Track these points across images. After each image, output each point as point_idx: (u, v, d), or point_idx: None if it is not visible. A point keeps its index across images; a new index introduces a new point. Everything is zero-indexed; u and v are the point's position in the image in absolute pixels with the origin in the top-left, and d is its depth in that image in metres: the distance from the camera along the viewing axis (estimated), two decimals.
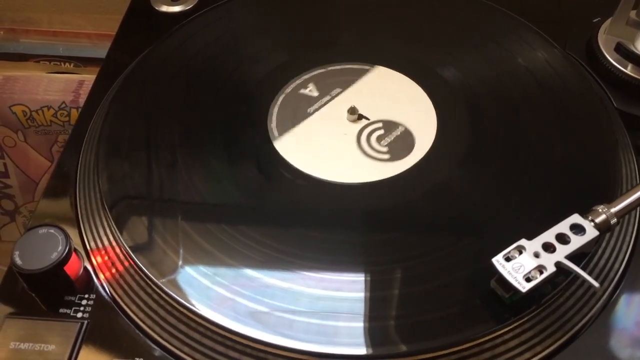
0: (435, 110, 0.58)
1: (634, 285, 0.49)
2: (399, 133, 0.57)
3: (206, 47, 0.64)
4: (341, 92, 0.60)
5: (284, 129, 0.57)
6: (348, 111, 0.58)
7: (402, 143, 0.56)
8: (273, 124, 0.57)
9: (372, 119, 0.58)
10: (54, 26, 0.95)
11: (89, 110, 0.62)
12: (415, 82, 0.61)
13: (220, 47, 0.64)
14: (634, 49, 0.61)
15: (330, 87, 0.61)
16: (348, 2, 0.70)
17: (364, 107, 0.58)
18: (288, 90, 0.60)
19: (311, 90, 0.60)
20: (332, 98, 0.60)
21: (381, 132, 0.57)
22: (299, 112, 0.59)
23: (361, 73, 0.62)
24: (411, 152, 0.55)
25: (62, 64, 0.93)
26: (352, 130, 0.57)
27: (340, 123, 0.58)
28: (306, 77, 0.61)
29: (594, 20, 0.66)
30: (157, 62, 0.64)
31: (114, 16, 0.78)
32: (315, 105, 0.59)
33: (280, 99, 0.60)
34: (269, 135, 0.57)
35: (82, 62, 0.93)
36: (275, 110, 0.59)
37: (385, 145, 0.56)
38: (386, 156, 0.55)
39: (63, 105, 0.86)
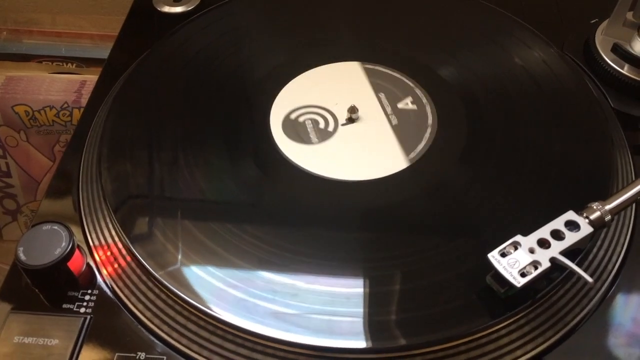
0: (434, 108, 0.59)
1: (629, 282, 0.49)
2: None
3: (207, 47, 0.65)
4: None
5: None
6: (348, 110, 0.58)
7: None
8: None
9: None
10: (57, 27, 0.96)
11: (91, 110, 0.62)
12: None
13: (222, 47, 0.65)
14: (631, 50, 0.62)
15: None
16: (347, 2, 0.71)
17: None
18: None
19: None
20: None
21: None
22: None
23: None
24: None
25: (65, 64, 0.94)
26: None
27: (340, 121, 0.59)
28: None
29: (591, 22, 0.67)
30: (158, 62, 0.64)
31: (116, 17, 0.78)
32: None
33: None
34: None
35: (85, 62, 0.94)
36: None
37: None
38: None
39: (65, 105, 0.86)
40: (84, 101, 0.85)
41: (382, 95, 0.60)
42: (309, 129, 0.58)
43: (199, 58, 0.64)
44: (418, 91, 0.61)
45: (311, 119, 0.59)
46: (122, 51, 0.69)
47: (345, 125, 0.58)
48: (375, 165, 0.55)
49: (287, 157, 0.55)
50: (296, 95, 0.61)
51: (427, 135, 0.57)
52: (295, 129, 0.58)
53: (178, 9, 0.73)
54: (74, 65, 0.94)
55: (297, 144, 0.56)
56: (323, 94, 0.61)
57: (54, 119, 0.87)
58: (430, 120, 0.58)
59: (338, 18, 0.69)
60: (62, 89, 0.87)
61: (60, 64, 0.94)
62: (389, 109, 0.59)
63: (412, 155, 0.55)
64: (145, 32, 0.71)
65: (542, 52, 0.63)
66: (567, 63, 0.62)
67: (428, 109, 0.59)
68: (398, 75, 0.62)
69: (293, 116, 0.59)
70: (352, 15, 0.69)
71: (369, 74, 0.62)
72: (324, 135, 0.57)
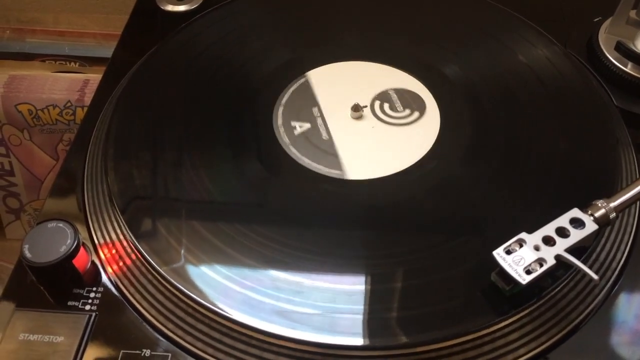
0: (438, 106, 0.59)
1: (634, 279, 0.49)
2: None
3: (211, 46, 0.65)
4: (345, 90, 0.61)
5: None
6: (352, 108, 0.58)
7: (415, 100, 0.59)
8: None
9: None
10: (60, 26, 0.96)
11: (95, 109, 0.63)
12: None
13: (226, 46, 0.65)
14: (634, 48, 0.62)
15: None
16: (350, 1, 0.71)
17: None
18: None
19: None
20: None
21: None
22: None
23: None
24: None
25: (68, 63, 0.94)
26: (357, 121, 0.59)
27: (344, 120, 0.59)
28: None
29: (595, 20, 0.67)
30: (162, 61, 0.64)
31: (120, 16, 0.78)
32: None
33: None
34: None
35: (88, 61, 0.94)
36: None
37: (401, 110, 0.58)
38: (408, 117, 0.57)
39: (68, 104, 0.87)
40: (87, 100, 0.85)
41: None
42: (313, 128, 0.58)
43: (203, 57, 0.64)
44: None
45: (315, 118, 0.59)
46: (126, 50, 0.69)
47: (349, 123, 0.58)
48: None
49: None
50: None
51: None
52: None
53: (182, 8, 0.73)
54: (77, 64, 0.94)
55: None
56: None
57: (57, 118, 0.87)
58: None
59: (342, 17, 0.69)
60: (66, 87, 0.87)
61: (64, 62, 0.94)
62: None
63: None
64: (149, 31, 0.71)
65: (546, 50, 0.63)
66: (571, 61, 0.62)
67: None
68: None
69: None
70: (355, 14, 0.69)
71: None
72: (328, 134, 0.57)
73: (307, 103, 0.60)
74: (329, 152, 0.56)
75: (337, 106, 0.60)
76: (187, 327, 0.46)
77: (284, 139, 0.57)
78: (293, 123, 0.58)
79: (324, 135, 0.57)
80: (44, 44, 0.95)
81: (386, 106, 0.59)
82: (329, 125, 0.58)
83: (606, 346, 0.46)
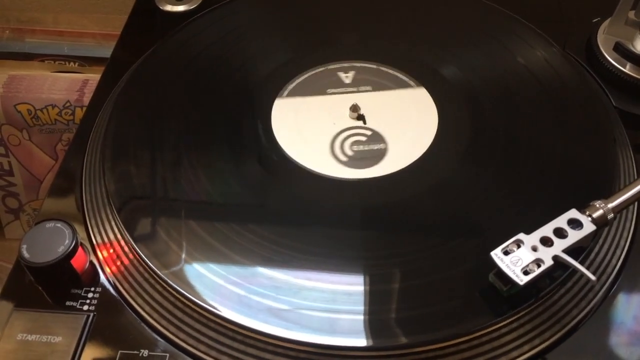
0: (436, 107, 0.59)
1: (631, 280, 0.50)
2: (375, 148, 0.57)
3: (210, 46, 0.65)
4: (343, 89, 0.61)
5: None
6: (350, 108, 0.58)
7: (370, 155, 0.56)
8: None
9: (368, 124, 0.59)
10: (59, 26, 0.96)
11: (93, 109, 0.63)
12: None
13: (224, 46, 0.65)
14: (633, 49, 0.62)
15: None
16: (350, 2, 0.71)
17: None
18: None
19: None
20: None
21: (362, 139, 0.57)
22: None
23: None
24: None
25: (67, 63, 0.94)
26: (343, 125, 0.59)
27: (342, 120, 0.59)
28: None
29: (593, 20, 0.67)
30: (161, 61, 0.64)
31: (119, 16, 0.78)
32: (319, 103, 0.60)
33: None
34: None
35: (87, 61, 0.94)
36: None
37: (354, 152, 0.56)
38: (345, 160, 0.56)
39: (67, 104, 0.87)
40: (86, 100, 0.85)
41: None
42: (311, 128, 0.58)
43: (202, 57, 0.64)
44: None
45: (314, 118, 0.59)
46: (125, 50, 0.70)
47: (347, 123, 0.58)
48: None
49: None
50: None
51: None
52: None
53: (180, 8, 0.73)
54: (77, 64, 0.94)
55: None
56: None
57: (57, 118, 0.87)
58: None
59: (341, 17, 0.69)
60: (65, 87, 0.87)
61: (63, 62, 0.94)
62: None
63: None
64: (148, 31, 0.71)
65: (545, 51, 0.63)
66: (569, 62, 0.62)
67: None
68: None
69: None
70: (354, 15, 0.69)
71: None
72: (326, 134, 0.57)
73: (305, 103, 0.60)
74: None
75: (334, 106, 0.60)
76: (185, 328, 0.46)
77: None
78: (291, 122, 0.58)
79: (322, 135, 0.57)
80: (43, 44, 0.95)
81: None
82: (326, 126, 0.58)
83: (604, 347, 0.47)
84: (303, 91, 0.60)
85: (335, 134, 0.57)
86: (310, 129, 0.58)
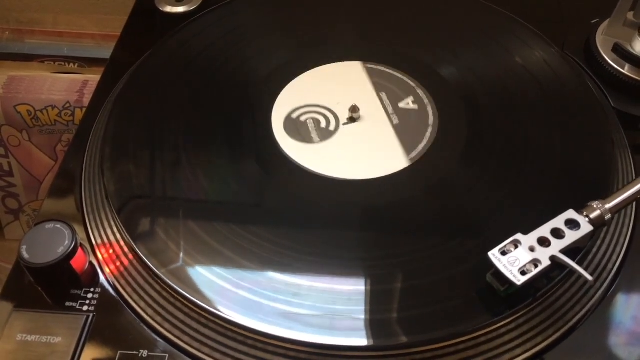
0: (435, 108, 0.59)
1: (630, 280, 0.50)
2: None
3: (210, 47, 0.65)
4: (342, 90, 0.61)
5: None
6: (350, 110, 0.58)
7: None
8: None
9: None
10: (59, 27, 0.96)
11: (93, 109, 0.63)
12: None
13: (224, 47, 0.65)
14: (631, 50, 0.62)
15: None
16: (349, 2, 0.71)
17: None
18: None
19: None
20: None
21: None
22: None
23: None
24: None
25: (67, 64, 0.94)
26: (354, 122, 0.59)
27: (342, 120, 0.59)
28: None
29: (592, 21, 0.67)
30: (160, 62, 0.64)
31: (118, 17, 0.78)
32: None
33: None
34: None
35: (87, 62, 0.94)
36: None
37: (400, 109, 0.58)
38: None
39: (67, 105, 0.87)
40: (86, 101, 0.85)
41: (383, 95, 0.61)
42: (310, 128, 0.58)
43: (201, 58, 0.64)
44: (419, 91, 0.61)
45: (313, 118, 0.59)
46: (124, 51, 0.70)
47: (346, 124, 0.59)
48: (376, 165, 0.55)
49: (289, 156, 0.56)
50: (298, 94, 0.61)
51: (428, 134, 0.57)
52: (297, 128, 0.58)
53: (180, 9, 0.73)
54: (76, 65, 0.94)
55: (299, 143, 0.57)
56: (324, 93, 0.61)
57: (56, 119, 0.87)
58: (431, 120, 0.58)
59: (340, 17, 0.69)
60: (64, 88, 0.87)
61: (63, 63, 0.94)
62: (390, 109, 0.60)
63: (413, 154, 0.55)
64: (148, 32, 0.71)
65: (543, 51, 0.63)
66: (568, 63, 0.63)
67: (429, 108, 0.59)
68: (399, 75, 0.62)
69: (295, 115, 0.59)
70: (353, 15, 0.69)
71: (370, 73, 0.63)
72: (326, 134, 0.58)
73: (304, 103, 0.60)
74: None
75: (335, 106, 0.60)
76: (184, 328, 0.46)
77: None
78: (290, 123, 0.58)
79: (322, 135, 0.57)
80: (43, 44, 0.95)
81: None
82: (326, 126, 0.58)
83: (603, 347, 0.47)
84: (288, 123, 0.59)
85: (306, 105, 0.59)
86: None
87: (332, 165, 0.55)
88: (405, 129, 0.58)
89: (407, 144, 0.56)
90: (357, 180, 0.54)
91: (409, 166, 0.55)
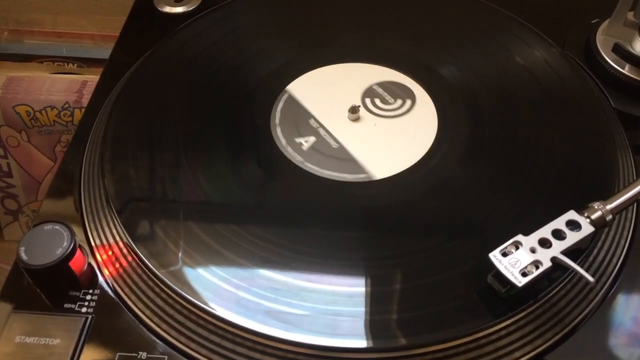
0: (435, 108, 0.59)
1: (630, 282, 0.49)
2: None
3: (209, 47, 0.65)
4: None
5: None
6: (349, 110, 0.58)
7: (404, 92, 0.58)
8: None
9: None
10: (58, 27, 0.96)
11: (92, 110, 0.63)
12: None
13: (223, 47, 0.65)
14: (631, 50, 0.62)
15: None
16: (349, 2, 0.71)
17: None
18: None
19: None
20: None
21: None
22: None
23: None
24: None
25: (66, 64, 0.94)
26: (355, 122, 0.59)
27: (342, 121, 0.59)
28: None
29: (592, 21, 0.67)
30: (160, 63, 0.64)
31: (117, 17, 0.78)
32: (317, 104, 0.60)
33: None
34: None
35: (86, 62, 0.94)
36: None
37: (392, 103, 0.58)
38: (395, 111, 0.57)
39: (66, 106, 0.86)
40: (85, 101, 0.85)
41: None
42: (310, 129, 0.58)
43: (201, 58, 0.64)
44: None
45: (312, 119, 0.59)
46: (123, 51, 0.69)
47: (346, 125, 0.58)
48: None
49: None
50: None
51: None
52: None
53: (179, 9, 0.73)
54: (75, 65, 0.94)
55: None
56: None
57: (55, 119, 0.87)
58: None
59: (339, 17, 0.69)
60: (64, 89, 0.87)
61: (62, 64, 0.94)
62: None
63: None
64: (147, 33, 0.71)
65: (544, 51, 0.63)
66: (569, 63, 0.62)
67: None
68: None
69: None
70: (353, 15, 0.69)
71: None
72: (326, 135, 0.57)
73: (304, 103, 0.60)
74: (326, 152, 0.56)
75: (334, 107, 0.60)
76: (183, 330, 0.46)
77: (280, 138, 0.57)
78: (291, 122, 0.58)
79: (321, 136, 0.57)
80: (42, 45, 0.95)
81: (384, 107, 0.59)
82: (325, 126, 0.58)
83: (603, 348, 0.47)
84: (288, 123, 0.59)
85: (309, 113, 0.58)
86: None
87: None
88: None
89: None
90: (358, 181, 0.54)
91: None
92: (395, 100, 0.60)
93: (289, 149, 0.56)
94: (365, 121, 0.59)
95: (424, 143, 0.56)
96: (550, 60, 0.62)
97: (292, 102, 0.60)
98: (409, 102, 0.60)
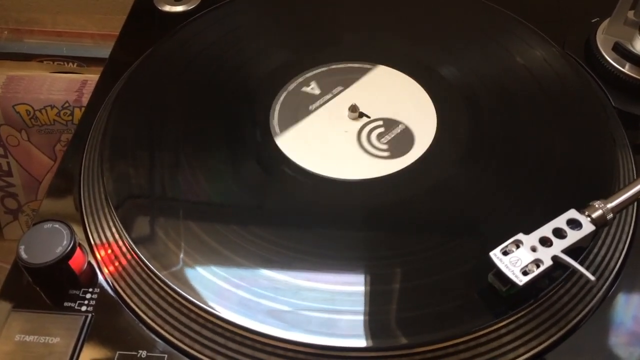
0: (435, 108, 0.59)
1: (631, 280, 0.49)
2: (399, 131, 0.57)
3: (209, 47, 0.65)
4: (343, 90, 0.61)
5: (286, 126, 0.58)
6: (349, 109, 0.58)
7: (402, 140, 0.56)
8: (275, 122, 0.58)
9: (372, 117, 0.58)
10: (58, 26, 0.96)
11: (92, 109, 0.63)
12: (415, 80, 0.61)
13: (223, 46, 0.65)
14: (632, 49, 0.62)
15: (332, 86, 0.61)
16: (349, 2, 0.71)
17: (365, 105, 0.59)
18: (290, 88, 0.61)
19: (313, 89, 0.61)
20: (334, 96, 0.60)
21: (382, 129, 0.58)
22: (300, 110, 0.59)
23: (363, 72, 0.63)
24: (411, 150, 0.56)
25: (66, 63, 0.94)
26: (353, 127, 0.58)
27: (341, 121, 0.58)
28: (308, 75, 0.62)
29: (593, 21, 0.67)
30: (159, 62, 0.64)
31: (117, 16, 0.78)
32: (317, 103, 0.60)
33: (282, 97, 0.60)
34: (271, 132, 0.57)
35: (86, 62, 0.94)
36: (277, 108, 0.59)
37: (386, 143, 0.56)
38: (386, 153, 0.55)
39: (66, 105, 0.86)
40: (85, 100, 0.85)
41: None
42: (310, 129, 0.58)
43: (200, 58, 0.64)
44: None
45: (312, 120, 0.59)
46: (123, 50, 0.69)
47: (346, 124, 0.58)
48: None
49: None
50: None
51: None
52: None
53: (179, 8, 0.73)
54: (75, 64, 0.94)
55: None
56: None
57: (55, 119, 0.87)
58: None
59: (340, 17, 0.69)
60: (63, 88, 0.87)
61: (62, 63, 0.94)
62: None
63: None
64: (147, 32, 0.71)
65: (544, 51, 0.63)
66: (569, 62, 0.62)
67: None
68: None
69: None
70: (353, 15, 0.69)
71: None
72: (327, 135, 0.57)
73: (305, 102, 0.60)
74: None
75: (335, 106, 0.60)
76: (183, 328, 0.46)
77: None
78: (290, 122, 0.58)
79: (321, 135, 0.57)
80: (42, 44, 0.95)
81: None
82: (326, 125, 0.58)
83: (604, 347, 0.46)
84: (287, 123, 0.59)
85: (357, 133, 0.58)
86: (315, 135, 0.58)
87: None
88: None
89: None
90: (357, 180, 0.54)
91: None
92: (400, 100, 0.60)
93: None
94: (365, 120, 0.58)
95: (423, 143, 0.56)
96: (550, 59, 0.62)
97: (292, 101, 0.60)
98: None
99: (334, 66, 0.63)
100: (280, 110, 0.59)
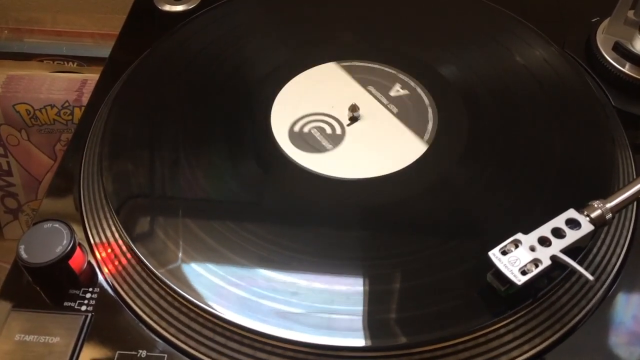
0: (435, 107, 0.59)
1: (630, 280, 0.49)
2: (399, 130, 0.57)
3: (209, 46, 0.65)
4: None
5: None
6: (349, 109, 0.58)
7: (402, 139, 0.57)
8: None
9: (371, 116, 0.59)
10: (58, 26, 0.96)
11: (92, 108, 0.63)
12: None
13: (223, 46, 0.65)
14: (632, 48, 0.62)
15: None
16: (349, 1, 0.71)
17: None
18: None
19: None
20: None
21: (381, 128, 0.58)
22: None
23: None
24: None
25: (66, 63, 0.94)
26: (353, 126, 0.58)
27: (341, 120, 0.59)
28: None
29: (593, 20, 0.67)
30: (159, 61, 0.64)
31: (117, 16, 0.78)
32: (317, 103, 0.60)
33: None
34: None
35: (86, 61, 0.94)
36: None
37: (386, 141, 0.57)
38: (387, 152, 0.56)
39: (66, 104, 0.87)
40: (85, 100, 0.85)
41: (383, 95, 0.60)
42: (318, 137, 0.58)
43: (200, 57, 0.64)
44: (419, 91, 0.61)
45: (317, 127, 0.59)
46: (123, 50, 0.69)
47: (350, 124, 0.58)
48: (376, 163, 0.55)
49: (287, 155, 0.55)
50: (295, 94, 0.61)
51: (428, 133, 0.57)
52: (305, 140, 0.58)
53: (179, 8, 0.73)
54: (75, 64, 0.94)
55: (299, 143, 0.56)
56: (324, 92, 0.61)
57: (55, 118, 0.87)
58: (431, 120, 0.58)
59: (339, 16, 0.69)
60: (63, 87, 0.87)
61: (62, 62, 0.94)
62: (389, 108, 0.59)
63: (413, 153, 0.55)
64: (146, 31, 0.71)
65: (544, 50, 0.63)
66: (569, 62, 0.62)
67: (429, 108, 0.59)
68: (398, 74, 0.62)
69: (297, 128, 0.59)
70: (353, 14, 0.69)
71: (371, 74, 0.62)
72: (335, 139, 0.57)
73: (301, 103, 0.60)
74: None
75: (334, 107, 0.59)
76: (183, 328, 0.46)
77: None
78: (290, 122, 0.58)
79: (322, 134, 0.57)
80: (42, 43, 0.95)
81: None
82: (325, 128, 0.58)
83: (603, 347, 0.46)
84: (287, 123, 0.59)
85: (306, 114, 0.58)
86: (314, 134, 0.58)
87: (330, 164, 0.55)
88: (405, 130, 0.57)
89: (408, 141, 0.56)
90: (356, 179, 0.54)
91: (409, 165, 0.54)
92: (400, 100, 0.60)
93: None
94: (365, 120, 0.58)
95: (423, 142, 0.56)
96: (550, 59, 0.62)
97: (292, 100, 0.60)
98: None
99: (333, 65, 0.63)
100: (280, 110, 0.59)
